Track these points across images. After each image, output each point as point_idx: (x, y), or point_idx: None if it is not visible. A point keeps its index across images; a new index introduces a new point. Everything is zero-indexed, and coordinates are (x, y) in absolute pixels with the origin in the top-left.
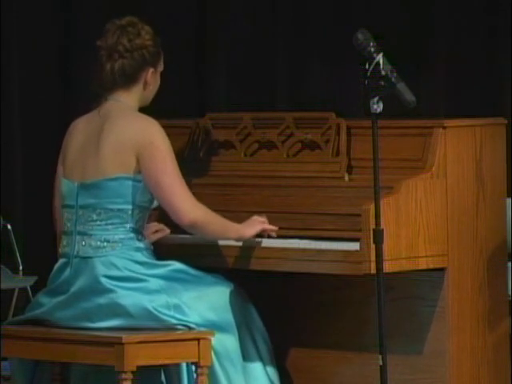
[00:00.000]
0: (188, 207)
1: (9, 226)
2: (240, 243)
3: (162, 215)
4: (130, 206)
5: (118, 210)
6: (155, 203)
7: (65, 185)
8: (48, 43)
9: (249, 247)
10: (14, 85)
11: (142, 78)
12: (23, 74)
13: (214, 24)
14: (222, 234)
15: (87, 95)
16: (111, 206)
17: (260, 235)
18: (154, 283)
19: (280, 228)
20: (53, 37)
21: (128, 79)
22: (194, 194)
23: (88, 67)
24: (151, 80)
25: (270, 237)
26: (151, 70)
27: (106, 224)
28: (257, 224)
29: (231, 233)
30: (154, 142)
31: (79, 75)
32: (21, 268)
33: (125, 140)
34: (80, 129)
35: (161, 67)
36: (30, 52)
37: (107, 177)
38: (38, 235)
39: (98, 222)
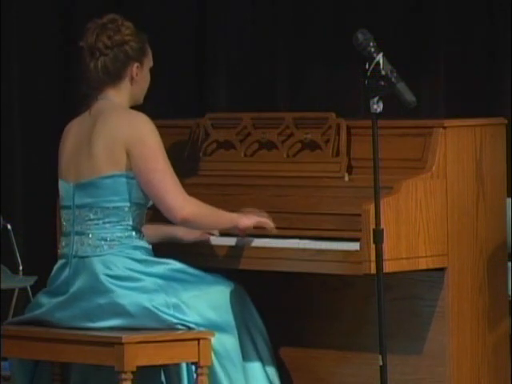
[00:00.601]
0: (180, 204)
1: (9, 226)
2: (240, 243)
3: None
4: (126, 204)
5: (115, 207)
6: (151, 202)
7: (61, 186)
8: (48, 43)
9: (249, 247)
10: (14, 85)
11: (128, 73)
12: (23, 74)
13: (213, 24)
14: (216, 226)
15: (86, 96)
16: (107, 205)
17: (258, 235)
18: (153, 282)
19: (280, 228)
20: (53, 37)
21: (113, 76)
22: (194, 194)
23: None
24: (138, 75)
25: (267, 236)
26: (136, 64)
27: (104, 222)
28: (253, 216)
29: (225, 222)
30: (143, 138)
31: (79, 75)
32: (21, 268)
33: (115, 137)
34: (73, 131)
35: (149, 63)
36: (30, 52)
37: (102, 175)
38: (38, 235)
39: (96, 221)
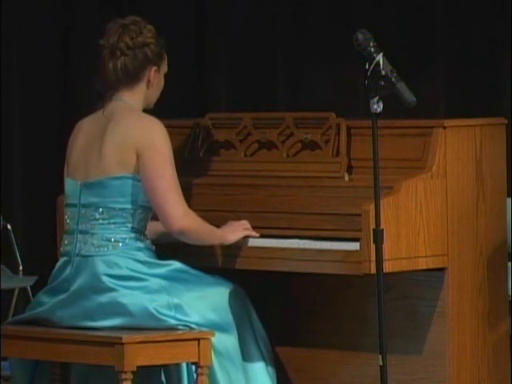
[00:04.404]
0: (179, 215)
1: (9, 226)
2: (241, 244)
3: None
4: (132, 206)
5: (121, 209)
6: None
7: (68, 184)
8: (48, 43)
9: (249, 247)
10: (13, 85)
11: (145, 76)
12: (23, 74)
13: (213, 24)
14: (207, 241)
15: (87, 96)
16: (114, 205)
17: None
18: (156, 283)
19: (280, 228)
20: (53, 36)
21: (131, 77)
22: (195, 194)
23: (87, 67)
24: (154, 79)
25: (267, 236)
26: (154, 68)
27: (109, 223)
28: (239, 230)
29: (215, 239)
30: (155, 143)
31: (79, 75)
32: (21, 268)
33: (127, 139)
34: (84, 129)
35: (164, 68)
36: (30, 53)
37: (111, 176)
38: (38, 235)
39: (101, 221)
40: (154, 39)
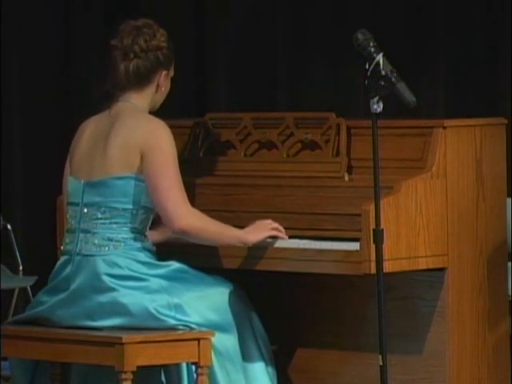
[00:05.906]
0: (181, 214)
1: (9, 226)
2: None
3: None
4: (135, 206)
5: (123, 209)
6: None
7: (71, 183)
8: (48, 43)
9: (249, 247)
10: (14, 85)
11: (156, 79)
12: (23, 74)
13: (213, 24)
14: (217, 241)
15: (87, 96)
16: (116, 205)
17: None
18: (156, 283)
19: None
20: (53, 36)
21: (141, 80)
22: (195, 194)
23: (87, 67)
24: (163, 83)
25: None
26: (164, 72)
27: (110, 223)
28: (263, 230)
29: (230, 239)
30: (159, 143)
31: (79, 75)
32: (21, 268)
33: (132, 140)
34: (89, 129)
35: (172, 72)
36: (30, 53)
37: (114, 175)
38: (38, 235)
39: (103, 221)
40: (166, 43)
